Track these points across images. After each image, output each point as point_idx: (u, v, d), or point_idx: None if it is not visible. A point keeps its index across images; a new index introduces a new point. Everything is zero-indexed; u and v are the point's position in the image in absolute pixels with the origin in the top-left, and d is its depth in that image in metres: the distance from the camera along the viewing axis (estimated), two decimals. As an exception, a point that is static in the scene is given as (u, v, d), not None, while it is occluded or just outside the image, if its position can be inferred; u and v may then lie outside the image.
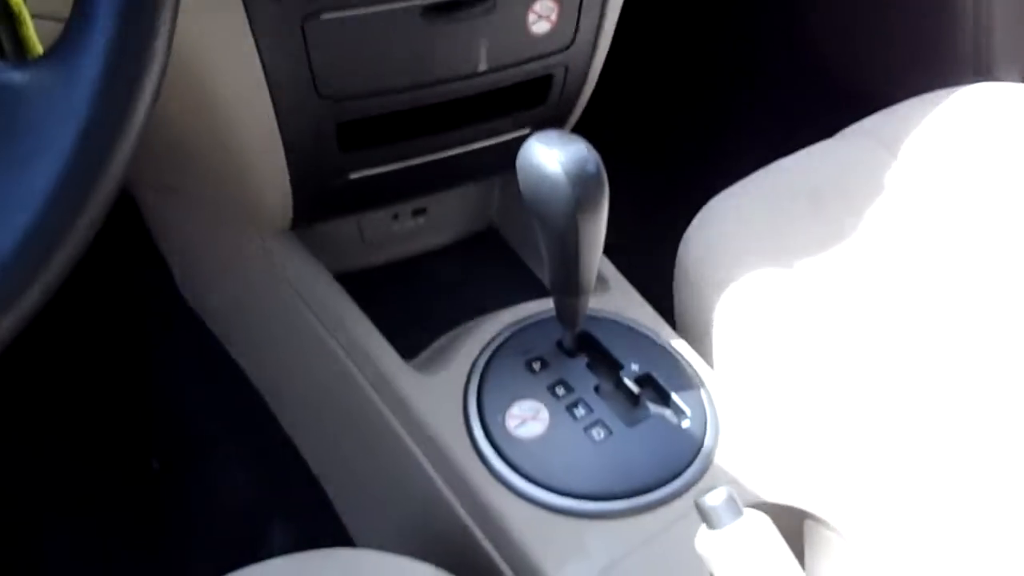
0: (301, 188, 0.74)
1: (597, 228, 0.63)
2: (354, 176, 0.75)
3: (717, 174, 0.95)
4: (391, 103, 0.71)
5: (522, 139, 0.82)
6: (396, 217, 0.88)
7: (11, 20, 0.45)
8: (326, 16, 0.64)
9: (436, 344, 0.81)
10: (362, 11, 0.65)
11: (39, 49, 0.45)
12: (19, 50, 0.43)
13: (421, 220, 0.90)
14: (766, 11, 1.44)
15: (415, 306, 0.86)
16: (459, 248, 0.93)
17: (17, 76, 0.35)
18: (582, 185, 0.60)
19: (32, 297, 0.34)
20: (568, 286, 0.66)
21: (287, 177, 0.72)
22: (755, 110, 1.46)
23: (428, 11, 0.67)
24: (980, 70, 1.24)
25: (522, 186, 0.62)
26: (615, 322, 0.76)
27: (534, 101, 0.79)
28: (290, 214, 0.77)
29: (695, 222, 0.87)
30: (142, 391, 1.09)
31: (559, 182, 0.60)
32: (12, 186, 0.34)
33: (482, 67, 0.72)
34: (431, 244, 0.92)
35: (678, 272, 0.86)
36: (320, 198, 0.77)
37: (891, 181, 0.85)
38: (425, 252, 0.91)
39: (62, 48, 0.36)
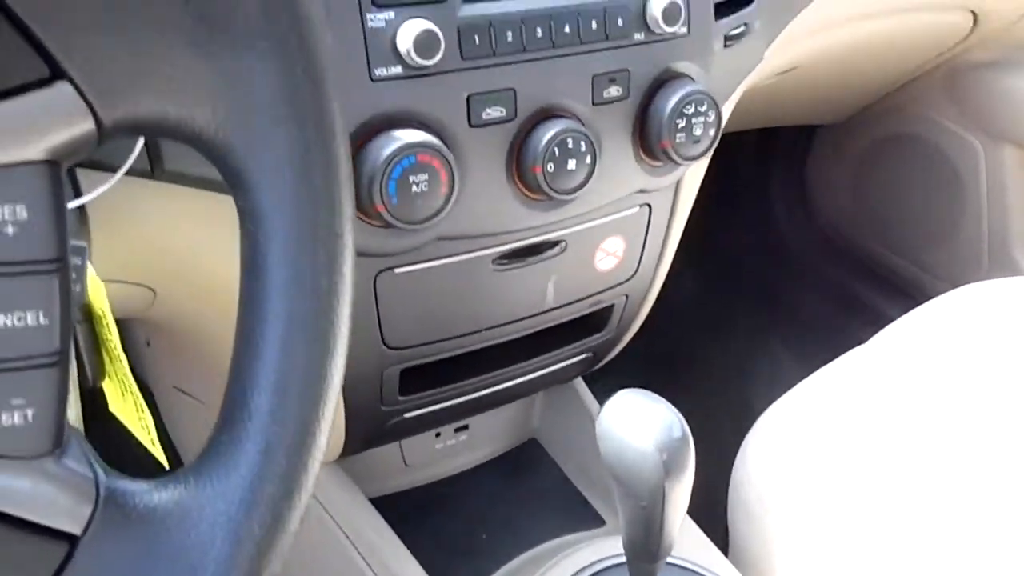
0: (354, 428, 0.70)
1: (684, 491, 0.60)
2: (410, 415, 0.71)
3: (756, 383, 0.93)
4: (456, 346, 0.67)
5: (576, 364, 0.80)
6: (438, 435, 0.84)
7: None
8: (400, 270, 0.61)
9: (489, 584, 0.76)
10: (436, 263, 0.62)
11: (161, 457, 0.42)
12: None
13: (463, 437, 0.86)
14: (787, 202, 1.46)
15: (459, 533, 0.81)
16: (500, 462, 0.89)
17: (160, 498, 0.31)
18: (670, 451, 0.57)
19: None
20: (648, 552, 0.62)
21: (342, 420, 0.68)
22: (779, 313, 1.45)
23: (500, 259, 0.65)
24: (997, 260, 1.25)
25: (604, 453, 0.59)
26: (682, 568, 0.72)
27: (593, 330, 0.77)
28: (338, 452, 0.73)
29: (745, 448, 0.83)
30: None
31: (646, 451, 0.57)
32: None
33: (548, 305, 0.70)
34: (472, 460, 0.87)
35: (733, 499, 0.82)
36: (371, 434, 0.73)
37: (932, 385, 0.83)
38: (466, 470, 0.87)
39: (211, 465, 0.32)
